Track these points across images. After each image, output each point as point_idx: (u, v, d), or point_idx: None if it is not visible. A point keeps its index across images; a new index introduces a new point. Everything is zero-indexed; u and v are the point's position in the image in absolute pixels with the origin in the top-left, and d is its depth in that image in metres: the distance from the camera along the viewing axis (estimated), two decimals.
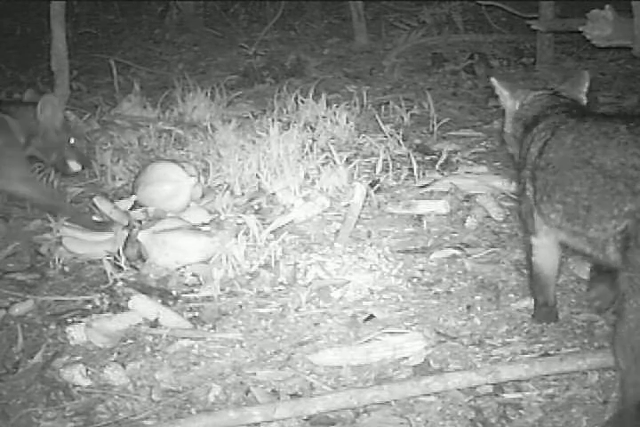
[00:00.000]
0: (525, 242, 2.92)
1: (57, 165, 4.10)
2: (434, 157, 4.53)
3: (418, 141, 4.79)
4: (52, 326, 3.25)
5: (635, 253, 2.30)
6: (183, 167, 4.02)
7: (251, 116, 5.17)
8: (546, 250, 2.84)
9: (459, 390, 2.69)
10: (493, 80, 2.95)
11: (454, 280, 3.39)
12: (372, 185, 4.14)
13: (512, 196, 3.97)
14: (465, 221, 3.82)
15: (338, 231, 3.73)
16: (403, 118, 5.10)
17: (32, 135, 3.96)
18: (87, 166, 4.17)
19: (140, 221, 3.85)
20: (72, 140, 4.07)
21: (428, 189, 4.14)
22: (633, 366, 2.32)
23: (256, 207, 4.06)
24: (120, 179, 4.52)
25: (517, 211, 3.05)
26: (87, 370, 2.92)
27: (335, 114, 4.92)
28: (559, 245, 2.81)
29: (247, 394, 2.78)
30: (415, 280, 3.41)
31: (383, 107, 5.24)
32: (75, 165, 4.09)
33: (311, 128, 4.86)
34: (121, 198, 4.17)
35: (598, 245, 2.46)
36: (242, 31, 7.61)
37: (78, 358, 3.04)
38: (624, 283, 2.33)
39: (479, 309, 3.18)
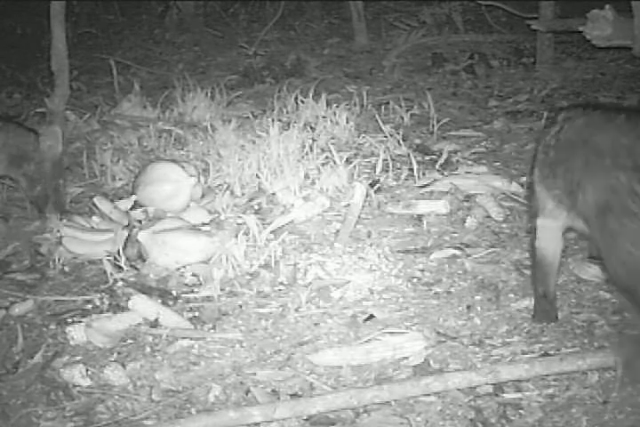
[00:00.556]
0: (531, 225, 2.99)
1: (37, 199, 4.08)
2: (434, 157, 4.53)
3: (418, 141, 4.79)
4: (52, 326, 3.25)
5: (610, 223, 2.52)
6: (183, 167, 4.03)
7: (251, 116, 5.17)
8: (549, 233, 2.89)
9: (459, 390, 2.69)
10: None
11: (454, 280, 3.39)
12: (372, 185, 4.14)
13: (512, 196, 3.97)
14: (465, 221, 3.82)
15: (338, 231, 3.73)
16: (403, 118, 5.10)
17: (21, 158, 3.97)
18: (61, 212, 4.04)
19: (140, 221, 3.86)
20: (61, 182, 4.08)
21: (428, 189, 4.14)
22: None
23: (256, 207, 4.06)
24: (120, 179, 4.52)
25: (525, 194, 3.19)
26: (87, 370, 2.92)
27: (335, 114, 4.92)
28: (562, 230, 2.90)
29: (247, 394, 2.78)
30: (415, 280, 3.41)
31: (383, 107, 5.24)
32: (50, 210, 4.05)
33: (311, 128, 4.86)
34: (121, 198, 4.17)
35: (586, 218, 2.63)
36: (242, 31, 7.61)
37: (78, 358, 3.04)
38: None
39: (479, 309, 3.18)
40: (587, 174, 2.61)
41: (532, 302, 3.12)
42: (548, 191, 2.81)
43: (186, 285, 3.48)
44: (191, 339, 3.10)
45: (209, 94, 5.38)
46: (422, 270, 3.47)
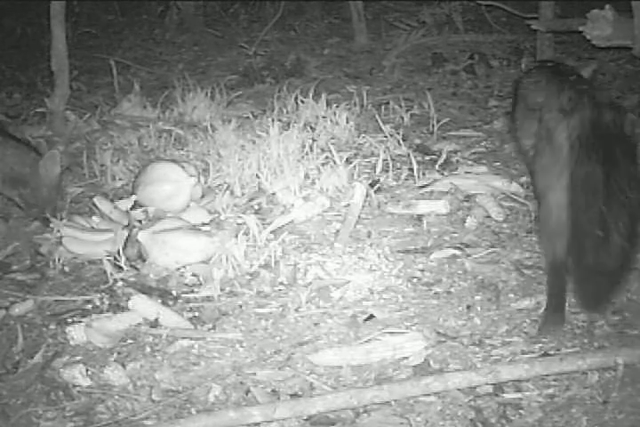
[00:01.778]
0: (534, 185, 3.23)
1: (34, 215, 4.03)
2: (434, 157, 4.52)
3: (418, 141, 4.79)
4: (52, 326, 3.25)
5: (541, 154, 2.98)
6: (183, 167, 4.02)
7: (251, 116, 5.17)
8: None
9: (459, 390, 2.69)
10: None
11: (454, 280, 3.39)
12: (372, 185, 4.14)
13: (512, 196, 3.97)
14: (465, 221, 3.82)
15: (338, 231, 3.73)
16: (403, 118, 5.09)
17: (16, 180, 3.94)
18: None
19: (140, 221, 3.85)
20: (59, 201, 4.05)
21: (428, 189, 4.14)
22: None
23: (256, 207, 4.06)
24: (120, 179, 4.52)
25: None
26: (87, 370, 2.92)
27: (335, 114, 4.92)
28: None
29: (247, 394, 2.78)
30: (415, 280, 3.41)
31: (383, 107, 5.23)
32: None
33: (311, 128, 4.86)
34: (121, 198, 4.17)
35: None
36: (242, 31, 7.60)
37: (78, 358, 3.04)
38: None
39: (479, 309, 3.18)
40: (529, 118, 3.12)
41: (532, 302, 3.13)
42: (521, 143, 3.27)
43: (186, 285, 3.48)
44: (191, 339, 3.10)
45: (209, 94, 5.38)
46: (422, 270, 3.47)
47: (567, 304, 3.02)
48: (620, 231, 2.72)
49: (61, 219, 3.90)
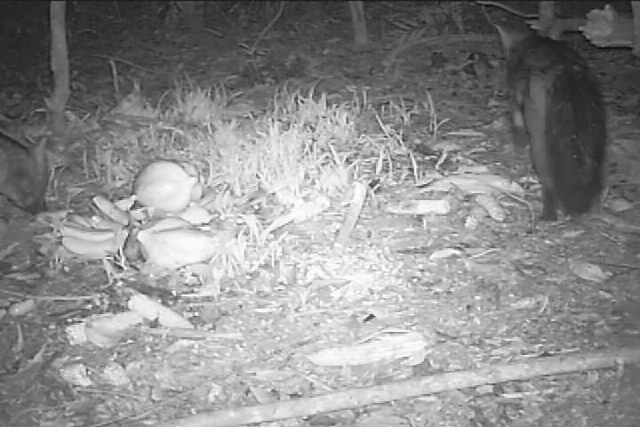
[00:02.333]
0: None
1: (29, 209, 4.11)
2: (434, 157, 4.53)
3: (418, 141, 4.79)
4: (52, 326, 3.25)
5: (527, 102, 3.73)
6: (183, 167, 4.02)
7: (251, 116, 5.17)
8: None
9: (459, 390, 2.69)
10: (498, 27, 4.36)
11: (454, 280, 3.39)
12: (372, 185, 4.14)
13: (512, 196, 3.97)
14: (465, 221, 3.82)
15: (338, 231, 3.73)
16: (403, 118, 5.10)
17: (19, 174, 4.03)
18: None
19: (140, 221, 3.85)
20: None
21: (428, 189, 4.14)
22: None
23: (256, 207, 4.06)
24: (120, 179, 4.52)
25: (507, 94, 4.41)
26: (87, 370, 2.92)
27: (335, 114, 4.92)
28: None
29: (247, 394, 2.78)
30: (415, 280, 3.41)
31: (383, 107, 5.24)
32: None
33: (311, 128, 4.86)
34: (121, 198, 4.17)
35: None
36: (242, 31, 7.61)
37: (78, 358, 3.04)
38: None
39: (479, 309, 3.18)
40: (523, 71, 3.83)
41: (532, 302, 3.13)
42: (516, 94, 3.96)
43: (186, 285, 3.48)
44: (191, 339, 3.10)
45: (209, 94, 5.38)
46: (422, 270, 3.47)
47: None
48: (590, 154, 3.51)
49: (61, 218, 3.91)
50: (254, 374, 2.88)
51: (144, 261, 3.58)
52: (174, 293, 3.41)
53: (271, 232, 3.74)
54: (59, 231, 3.80)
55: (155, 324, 3.19)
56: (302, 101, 5.13)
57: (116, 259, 3.58)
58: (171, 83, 5.76)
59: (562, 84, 3.57)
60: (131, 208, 4.02)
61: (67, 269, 3.68)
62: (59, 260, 3.70)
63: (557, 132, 3.54)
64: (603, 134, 3.59)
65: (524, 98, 3.78)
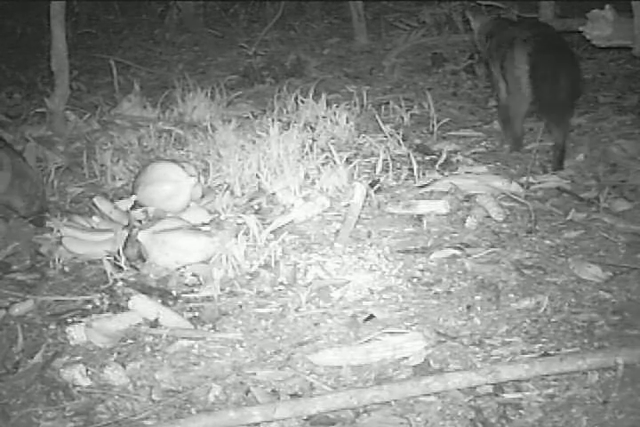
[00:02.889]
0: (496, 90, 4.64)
1: (35, 215, 3.97)
2: (434, 157, 4.53)
3: (418, 141, 4.79)
4: (52, 326, 3.25)
5: (508, 65, 4.31)
6: (183, 167, 4.02)
7: (251, 116, 5.17)
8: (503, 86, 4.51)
9: (459, 390, 2.69)
10: (467, 12, 5.12)
11: (454, 280, 3.39)
12: (372, 185, 4.14)
13: (512, 196, 3.97)
14: (465, 221, 3.82)
15: (338, 231, 3.73)
16: (403, 118, 5.10)
17: (22, 179, 3.93)
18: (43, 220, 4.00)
19: (140, 221, 3.85)
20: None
21: (428, 189, 4.14)
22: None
23: (256, 207, 4.06)
24: (120, 179, 4.52)
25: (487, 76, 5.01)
26: (87, 370, 2.92)
27: (335, 114, 4.92)
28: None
29: (247, 394, 2.78)
30: (415, 280, 3.41)
31: (383, 107, 5.24)
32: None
33: (311, 128, 4.86)
34: (121, 198, 4.17)
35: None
36: (242, 31, 7.61)
37: (78, 358, 3.04)
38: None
39: (479, 309, 3.18)
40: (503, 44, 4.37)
41: (532, 302, 3.14)
42: (496, 70, 4.50)
43: (186, 285, 3.48)
44: (191, 339, 3.10)
45: (209, 94, 5.38)
46: (422, 270, 3.47)
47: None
48: (566, 82, 4.22)
49: (61, 218, 3.90)
50: (254, 374, 2.88)
51: (144, 261, 3.58)
52: (174, 293, 3.41)
53: (271, 232, 3.74)
54: (59, 231, 3.80)
55: (155, 324, 3.19)
56: (302, 101, 5.13)
57: (116, 259, 3.58)
58: (171, 83, 5.76)
59: (541, 48, 4.21)
60: (131, 208, 4.02)
61: (67, 269, 3.68)
62: (59, 260, 3.70)
63: (543, 68, 4.19)
64: (577, 81, 4.39)
65: (505, 64, 4.32)
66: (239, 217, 3.84)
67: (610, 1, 4.12)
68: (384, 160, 4.37)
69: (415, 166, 4.27)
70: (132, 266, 3.57)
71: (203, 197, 4.12)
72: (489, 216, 3.85)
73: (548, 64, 4.19)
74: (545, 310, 3.12)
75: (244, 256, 3.55)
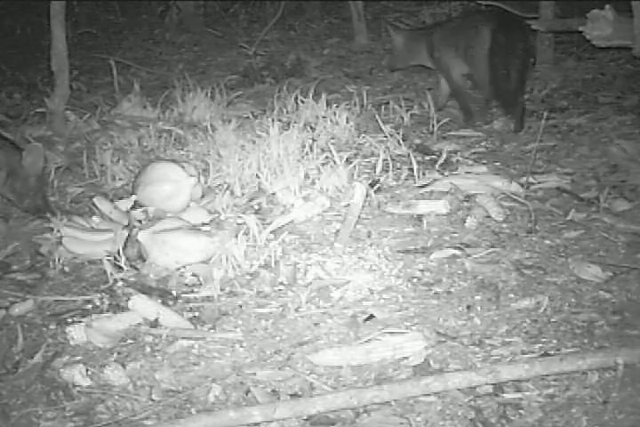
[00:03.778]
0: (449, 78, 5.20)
1: (28, 210, 4.10)
2: (434, 157, 4.53)
3: (418, 141, 4.80)
4: (52, 326, 3.25)
5: (475, 46, 4.92)
6: (183, 167, 4.02)
7: (251, 116, 5.17)
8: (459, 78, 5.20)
9: (459, 390, 2.69)
10: (390, 28, 5.59)
11: (454, 280, 3.39)
12: (372, 185, 4.14)
13: (512, 196, 3.97)
14: (465, 221, 3.82)
15: (338, 231, 3.73)
16: (403, 118, 5.10)
17: (13, 175, 4.03)
18: (43, 217, 4.06)
19: (140, 221, 3.85)
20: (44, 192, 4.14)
21: (428, 189, 4.14)
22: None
23: (256, 207, 4.06)
24: (120, 179, 4.52)
25: (440, 68, 5.27)
26: (87, 370, 2.92)
27: (335, 114, 4.92)
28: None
29: (247, 394, 2.78)
30: (415, 280, 3.41)
31: (383, 107, 5.24)
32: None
33: (311, 128, 4.86)
34: (121, 198, 4.17)
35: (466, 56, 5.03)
36: (242, 31, 7.61)
37: (78, 358, 3.04)
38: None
39: (479, 309, 3.18)
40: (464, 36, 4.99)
41: (532, 302, 3.14)
42: (448, 60, 5.11)
43: (186, 285, 3.48)
44: (191, 339, 3.10)
45: (209, 94, 5.38)
46: (422, 270, 3.47)
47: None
48: (515, 71, 4.85)
49: (61, 218, 3.91)
50: (254, 374, 2.88)
51: (144, 261, 3.58)
52: (174, 293, 3.41)
53: (271, 232, 3.74)
54: (59, 231, 3.80)
55: (155, 324, 3.19)
56: (302, 101, 5.13)
57: (116, 259, 3.58)
58: (171, 83, 5.76)
59: (500, 31, 4.86)
60: (131, 208, 4.02)
61: (67, 269, 3.68)
62: (59, 260, 3.70)
63: (497, 58, 4.84)
64: (528, 60, 5.09)
65: (471, 45, 4.94)
66: (239, 217, 3.84)
67: (610, 1, 4.11)
68: (384, 160, 4.37)
69: (415, 166, 4.27)
70: (132, 266, 3.57)
71: (203, 197, 4.12)
72: (489, 216, 3.85)
73: (506, 41, 4.86)
74: (545, 310, 3.12)
75: (243, 256, 3.55)
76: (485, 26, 4.88)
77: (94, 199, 4.04)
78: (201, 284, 3.47)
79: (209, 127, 4.89)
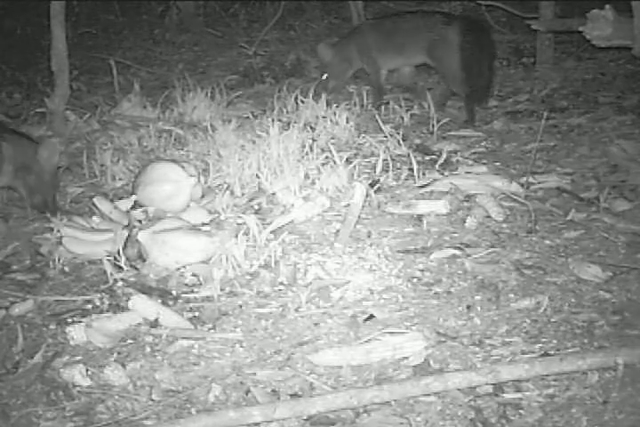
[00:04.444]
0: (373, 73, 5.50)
1: (37, 206, 4.14)
2: (434, 157, 4.53)
3: (418, 141, 4.80)
4: (52, 326, 3.25)
5: (441, 44, 5.18)
6: (183, 167, 4.03)
7: (251, 116, 5.17)
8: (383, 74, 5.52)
9: (459, 390, 2.69)
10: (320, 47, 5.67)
11: (454, 280, 3.39)
12: (372, 185, 4.14)
13: (512, 196, 3.97)
14: (465, 221, 3.82)
15: (338, 231, 3.73)
16: (403, 118, 5.10)
17: (25, 169, 4.07)
18: (53, 215, 4.04)
19: (140, 221, 3.85)
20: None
21: (428, 189, 4.14)
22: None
23: (256, 207, 4.06)
24: (120, 179, 4.52)
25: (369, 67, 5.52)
26: (87, 370, 2.92)
27: (335, 114, 4.92)
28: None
29: (247, 394, 2.78)
30: (415, 280, 3.41)
31: (383, 107, 5.24)
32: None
33: (311, 128, 4.86)
34: (121, 198, 4.17)
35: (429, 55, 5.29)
36: (242, 31, 7.61)
37: (78, 358, 3.04)
38: None
39: (479, 309, 3.18)
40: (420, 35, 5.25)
41: (532, 302, 3.14)
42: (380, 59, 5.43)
43: (186, 285, 3.48)
44: (191, 339, 3.10)
45: (209, 94, 5.38)
46: (422, 270, 3.47)
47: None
48: (486, 69, 5.18)
49: (61, 218, 3.91)
50: (254, 374, 2.88)
51: (144, 261, 3.58)
52: (174, 293, 3.41)
53: (271, 232, 3.74)
54: (59, 231, 3.80)
55: (155, 324, 3.19)
56: (302, 101, 5.13)
57: (116, 259, 3.58)
58: (171, 83, 5.76)
59: (468, 28, 5.12)
60: (131, 208, 4.02)
61: (67, 269, 3.69)
62: (59, 260, 3.70)
63: (469, 56, 5.08)
64: (493, 57, 5.36)
65: (434, 43, 5.17)
66: (239, 217, 3.84)
67: (610, 1, 4.11)
68: (384, 160, 4.37)
69: (415, 166, 4.27)
70: (132, 266, 3.57)
71: (203, 197, 4.12)
72: (489, 216, 3.85)
73: (475, 38, 5.15)
74: (545, 310, 3.12)
75: (243, 256, 3.55)
76: (453, 25, 5.09)
77: (94, 199, 4.04)
78: (201, 284, 3.47)
79: (209, 127, 4.89)
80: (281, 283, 3.43)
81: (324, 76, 5.57)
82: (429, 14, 5.39)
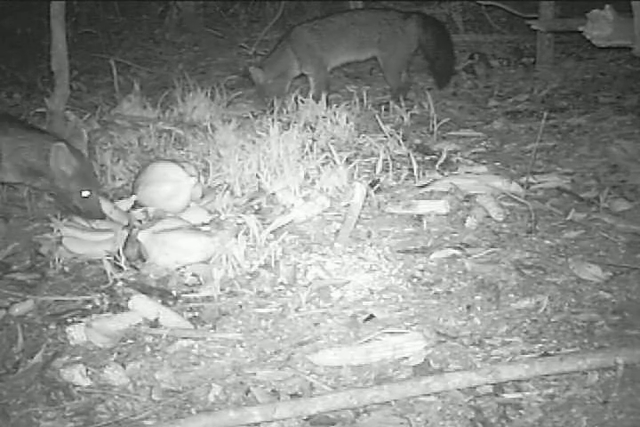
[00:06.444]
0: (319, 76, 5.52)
1: (69, 211, 3.84)
2: (434, 157, 4.53)
3: (418, 141, 4.79)
4: (52, 326, 3.25)
5: (394, 38, 5.44)
6: (183, 167, 4.02)
7: (251, 116, 5.17)
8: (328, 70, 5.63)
9: (459, 390, 2.69)
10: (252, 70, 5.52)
11: (454, 280, 3.39)
12: (372, 185, 4.14)
13: (512, 196, 3.96)
14: (465, 221, 3.82)
15: (338, 231, 3.73)
16: (403, 118, 5.10)
17: (35, 172, 3.78)
18: (97, 219, 3.83)
19: (140, 221, 3.85)
20: (85, 193, 3.76)
21: (428, 189, 4.14)
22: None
23: (256, 207, 4.06)
24: (120, 179, 4.52)
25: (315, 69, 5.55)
26: (87, 370, 2.92)
27: (335, 114, 4.92)
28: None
29: (247, 394, 2.78)
30: (415, 280, 3.41)
31: (383, 107, 5.24)
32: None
33: (311, 128, 4.86)
34: (121, 198, 4.17)
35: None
36: (242, 31, 7.62)
37: (78, 358, 3.04)
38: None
39: (479, 309, 3.18)
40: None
41: (532, 302, 3.14)
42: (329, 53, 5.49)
43: (186, 285, 3.48)
44: (191, 339, 3.10)
45: (209, 94, 5.38)
46: (422, 270, 3.47)
47: None
48: (449, 57, 5.55)
49: (61, 218, 3.90)
50: (254, 374, 2.88)
51: (144, 261, 3.58)
52: (174, 293, 3.41)
53: (271, 232, 3.74)
54: (59, 231, 3.79)
55: (155, 324, 3.19)
56: (302, 101, 5.13)
57: (116, 259, 3.58)
58: (171, 83, 5.76)
59: (425, 21, 5.47)
60: (131, 208, 4.02)
61: (67, 269, 3.69)
62: (59, 260, 3.70)
63: (432, 48, 5.46)
64: (451, 47, 5.63)
65: (389, 37, 5.41)
66: (239, 217, 3.84)
67: (610, 1, 4.11)
68: (384, 160, 4.37)
69: (415, 166, 4.27)
70: (132, 266, 3.57)
71: (203, 197, 4.12)
72: (489, 216, 3.85)
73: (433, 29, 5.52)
74: (545, 310, 3.12)
75: (243, 256, 3.55)
76: (411, 18, 5.41)
77: None
78: (201, 284, 3.47)
79: (209, 127, 4.89)
80: (281, 283, 3.43)
81: (266, 100, 5.43)
82: (384, 10, 5.84)
